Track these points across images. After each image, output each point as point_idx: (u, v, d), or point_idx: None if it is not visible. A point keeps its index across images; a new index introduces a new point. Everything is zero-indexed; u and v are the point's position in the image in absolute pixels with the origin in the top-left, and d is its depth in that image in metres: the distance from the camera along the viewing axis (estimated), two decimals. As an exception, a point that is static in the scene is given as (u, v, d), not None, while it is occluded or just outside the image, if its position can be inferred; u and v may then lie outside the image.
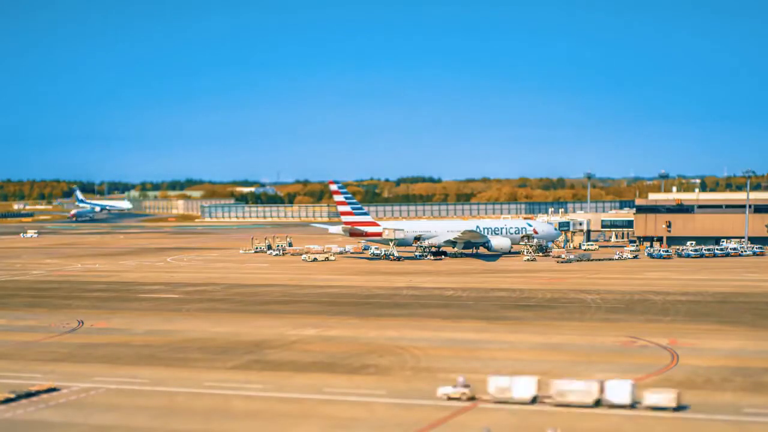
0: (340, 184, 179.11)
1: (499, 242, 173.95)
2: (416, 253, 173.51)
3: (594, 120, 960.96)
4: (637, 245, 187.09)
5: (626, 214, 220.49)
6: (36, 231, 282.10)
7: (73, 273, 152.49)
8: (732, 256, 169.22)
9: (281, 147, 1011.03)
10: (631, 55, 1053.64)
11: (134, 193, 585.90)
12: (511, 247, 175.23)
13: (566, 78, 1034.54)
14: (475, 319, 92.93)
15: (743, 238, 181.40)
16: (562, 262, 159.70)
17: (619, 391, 55.42)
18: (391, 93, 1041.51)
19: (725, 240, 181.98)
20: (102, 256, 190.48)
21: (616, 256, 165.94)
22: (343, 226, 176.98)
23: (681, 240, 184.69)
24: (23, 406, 58.63)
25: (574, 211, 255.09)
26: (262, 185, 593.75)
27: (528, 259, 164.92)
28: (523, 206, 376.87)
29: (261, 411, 56.87)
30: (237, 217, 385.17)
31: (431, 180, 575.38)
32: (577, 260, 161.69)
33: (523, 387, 56.80)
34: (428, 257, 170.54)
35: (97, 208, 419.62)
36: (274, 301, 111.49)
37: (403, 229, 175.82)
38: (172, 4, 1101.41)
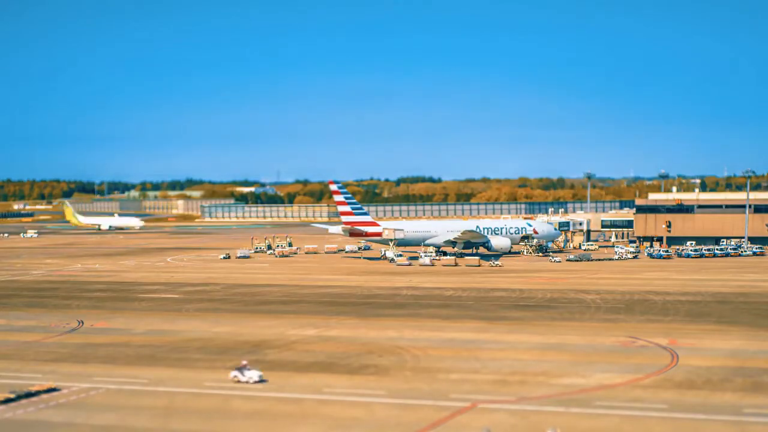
0: (340, 184, 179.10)
1: (499, 242, 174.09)
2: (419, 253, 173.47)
3: (594, 120, 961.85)
4: (637, 245, 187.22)
5: (626, 214, 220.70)
6: (36, 231, 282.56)
7: (73, 273, 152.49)
8: (732, 256, 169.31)
9: (281, 147, 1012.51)
10: (631, 55, 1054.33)
11: (134, 193, 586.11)
12: (511, 247, 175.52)
13: (566, 78, 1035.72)
14: (475, 319, 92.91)
15: (743, 238, 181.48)
16: (569, 260, 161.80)
17: None
18: (391, 93, 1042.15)
19: (725, 240, 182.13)
20: (102, 256, 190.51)
21: (616, 256, 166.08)
22: (343, 226, 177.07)
23: (681, 240, 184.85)
24: (23, 406, 58.59)
25: (574, 211, 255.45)
26: (262, 185, 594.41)
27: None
28: (523, 206, 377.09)
29: (261, 411, 56.84)
30: (237, 217, 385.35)
31: (431, 180, 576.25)
32: (576, 260, 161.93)
33: None
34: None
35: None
36: (274, 301, 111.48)
37: (403, 229, 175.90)
38: (172, 3, 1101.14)
